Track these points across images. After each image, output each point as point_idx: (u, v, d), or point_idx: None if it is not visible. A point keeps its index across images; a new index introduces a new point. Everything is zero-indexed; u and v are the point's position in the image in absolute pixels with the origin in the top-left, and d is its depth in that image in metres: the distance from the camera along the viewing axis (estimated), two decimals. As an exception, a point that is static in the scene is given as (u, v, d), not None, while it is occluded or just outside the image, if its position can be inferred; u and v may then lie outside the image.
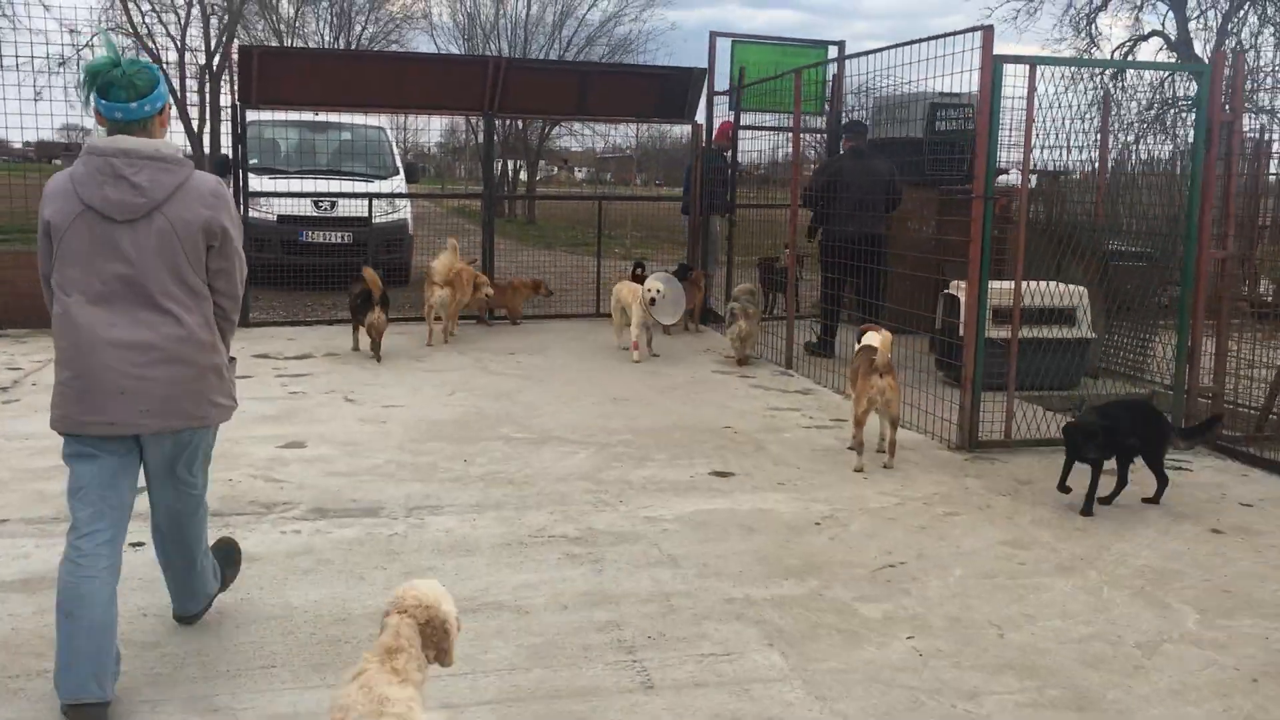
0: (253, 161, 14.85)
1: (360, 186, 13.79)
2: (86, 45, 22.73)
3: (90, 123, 3.73)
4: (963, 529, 5.49)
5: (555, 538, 5.20)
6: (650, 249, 22.42)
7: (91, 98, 3.44)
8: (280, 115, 14.90)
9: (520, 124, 33.62)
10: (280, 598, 4.42)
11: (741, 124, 11.99)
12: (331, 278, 12.49)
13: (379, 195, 13.42)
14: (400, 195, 14.37)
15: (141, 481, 3.70)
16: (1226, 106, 7.15)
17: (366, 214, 13.42)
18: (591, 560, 4.92)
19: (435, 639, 2.83)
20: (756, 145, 12.88)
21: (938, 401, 7.57)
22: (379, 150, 15.37)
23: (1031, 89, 7.00)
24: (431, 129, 42.80)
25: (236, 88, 10.96)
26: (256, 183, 13.70)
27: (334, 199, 13.62)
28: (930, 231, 11.92)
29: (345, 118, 15.35)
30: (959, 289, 9.18)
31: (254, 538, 5.07)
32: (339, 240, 13.90)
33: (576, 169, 47.62)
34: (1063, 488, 5.91)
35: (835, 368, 9.03)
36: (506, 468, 6.41)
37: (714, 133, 12.57)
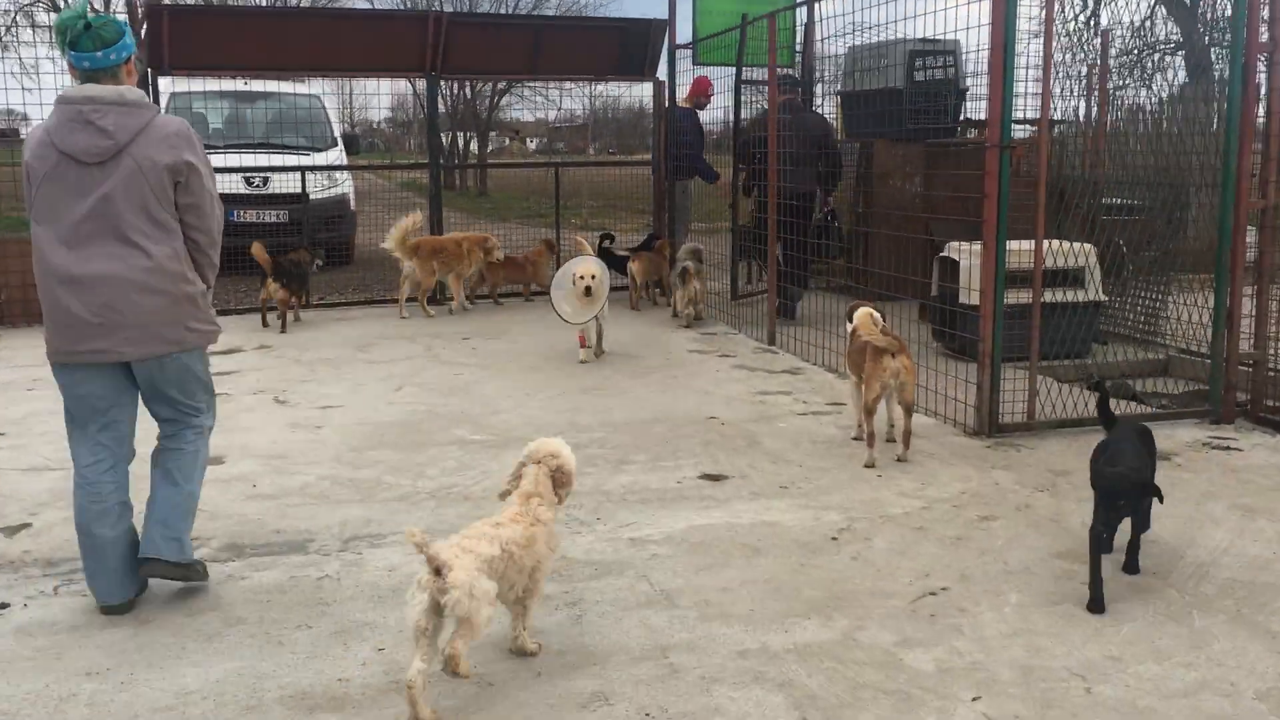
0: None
1: (295, 161, 12.69)
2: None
3: (67, 79, 3.91)
4: (1005, 538, 4.64)
5: (522, 572, 4.28)
6: (609, 219, 21.50)
7: (65, 52, 3.68)
8: (204, 85, 13.74)
9: (469, 91, 32.38)
10: (172, 679, 3.47)
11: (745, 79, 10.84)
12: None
13: (316, 169, 12.31)
14: (339, 168, 13.27)
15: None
16: (1265, 34, 6.29)
17: (302, 190, 12.36)
18: (568, 603, 4.01)
19: (562, 483, 3.79)
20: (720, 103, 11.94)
21: (943, 378, 6.73)
22: (315, 121, 14.23)
23: (1050, 18, 6.13)
24: (380, 99, 41.38)
25: (145, 52, 9.78)
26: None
27: (266, 174, 12.52)
28: (915, 189, 11.07)
29: (276, 86, 14.19)
30: (958, 251, 8.33)
31: (149, 589, 4.11)
32: (274, 219, 12.80)
33: (529, 140, 46.45)
34: (1108, 546, 4.29)
35: (822, 341, 8.16)
36: (462, 479, 5.47)
37: (690, 89, 11.59)
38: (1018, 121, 14.03)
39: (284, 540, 4.65)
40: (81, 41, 3.67)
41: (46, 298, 3.73)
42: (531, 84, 32.91)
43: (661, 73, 11.72)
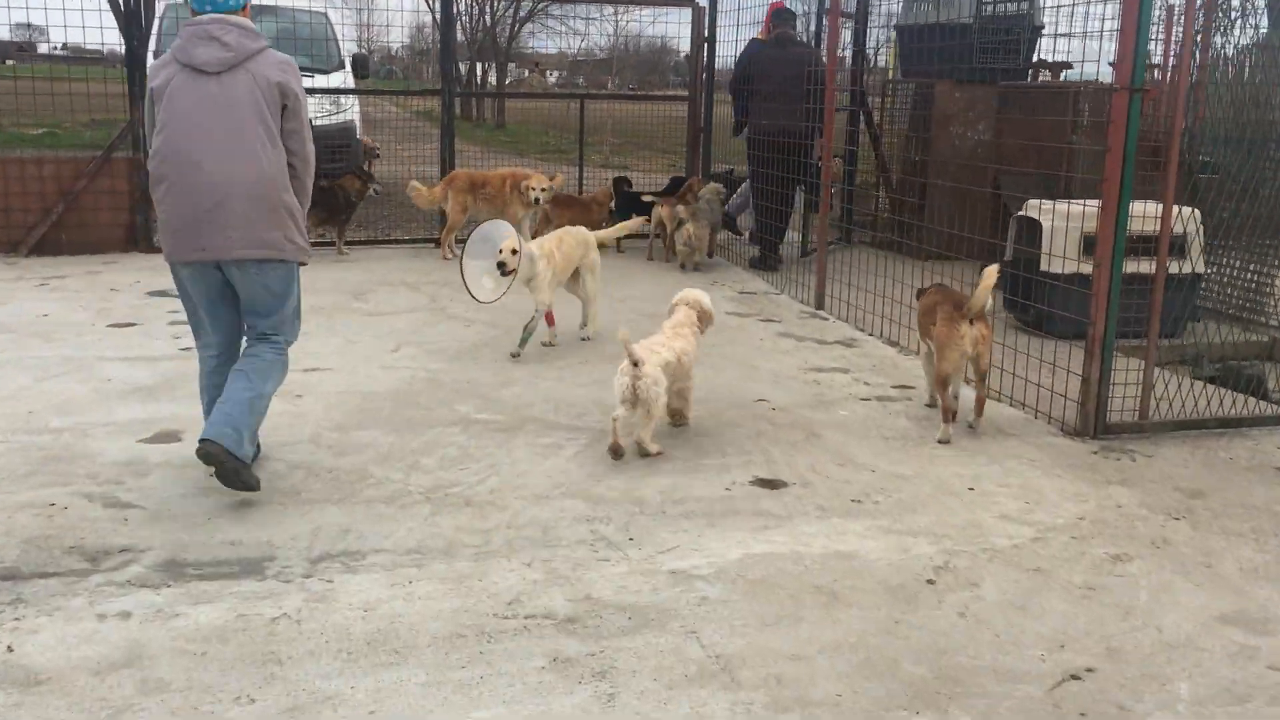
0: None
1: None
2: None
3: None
4: (1149, 590, 3.65)
5: (535, 620, 3.32)
6: (633, 157, 20.39)
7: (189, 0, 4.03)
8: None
9: (489, 18, 31.02)
10: (57, 780, 2.53)
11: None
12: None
13: (318, 91, 11.19)
14: (343, 91, 12.14)
15: None
16: None
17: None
18: (595, 674, 3.04)
19: (705, 320, 5.36)
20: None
21: (1021, 358, 5.71)
22: (318, 39, 13.05)
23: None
24: (402, 24, 39.97)
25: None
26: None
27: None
28: (980, 137, 9.95)
29: (276, 1, 13.01)
30: (1041, 211, 7.27)
31: (50, 631, 3.16)
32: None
33: (549, 73, 45.05)
34: None
35: (876, 307, 7.13)
36: (464, 476, 4.50)
37: (766, 20, 10.41)
38: (1056, 65, 12.88)
39: (238, 556, 3.69)
40: None
41: (164, 201, 4.05)
42: (555, 12, 31.59)
43: (703, -2, 10.55)
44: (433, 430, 5.04)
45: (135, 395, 5.38)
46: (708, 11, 10.44)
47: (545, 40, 33.64)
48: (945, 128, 10.00)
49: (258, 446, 4.46)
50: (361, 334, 6.75)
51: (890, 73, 12.33)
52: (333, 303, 7.59)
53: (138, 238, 9.10)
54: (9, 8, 9.22)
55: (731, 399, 5.70)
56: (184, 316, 4.48)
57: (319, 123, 11.91)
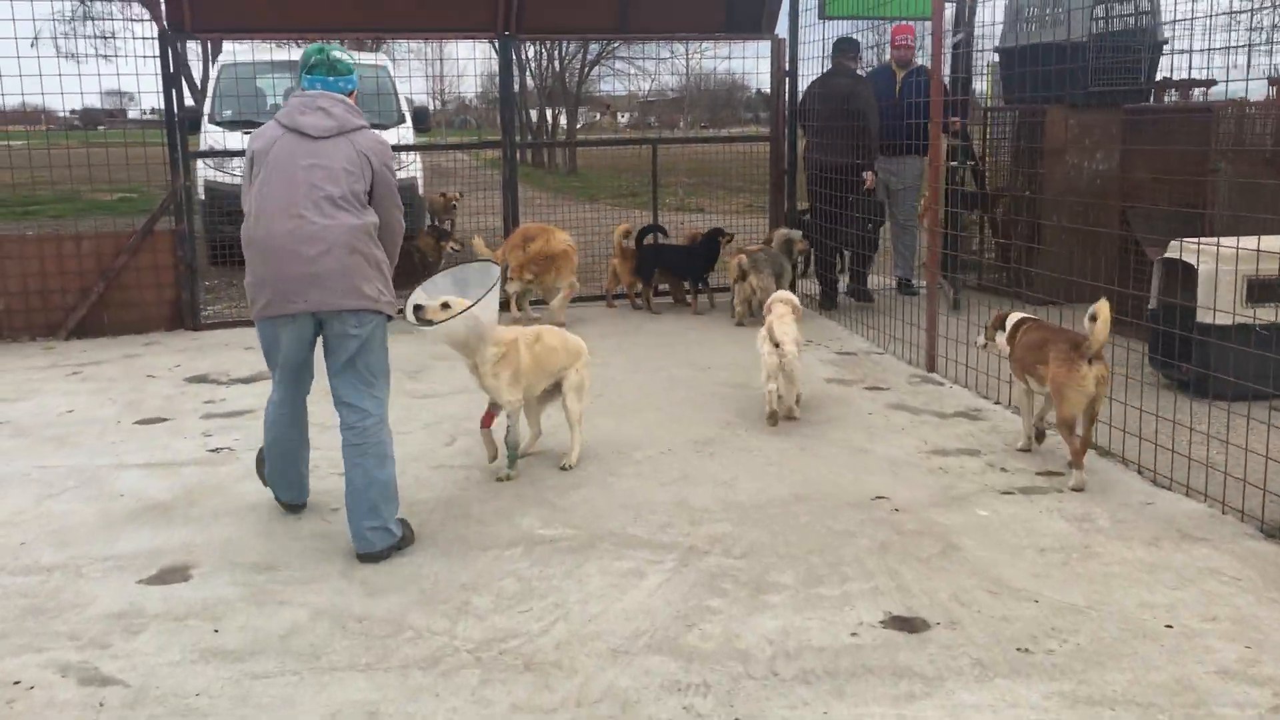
0: (225, 114, 12.17)
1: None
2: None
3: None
4: None
5: None
6: (705, 196, 19.62)
7: (301, 76, 4.28)
8: (255, 54, 12.18)
9: (558, 63, 30.62)
10: None
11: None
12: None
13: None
14: (405, 148, 11.52)
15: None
16: None
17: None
18: None
19: (797, 314, 6.06)
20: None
21: (1192, 435, 4.70)
22: (379, 94, 12.50)
23: None
24: (474, 70, 39.95)
25: (164, 8, 8.13)
26: (221, 139, 11.04)
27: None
28: (1099, 167, 8.92)
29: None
30: (1192, 252, 6.23)
31: None
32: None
33: (620, 114, 44.67)
34: None
35: (1000, 370, 6.13)
36: (524, 621, 3.64)
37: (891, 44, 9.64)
38: (1197, 83, 11.75)
39: (229, 762, 2.87)
40: (317, 70, 4.25)
41: (257, 258, 4.13)
42: (623, 49, 31.08)
43: (781, 29, 9.71)
44: (488, 554, 4.19)
45: (147, 516, 4.63)
46: (788, 44, 9.57)
47: (614, 82, 33.13)
48: (1059, 158, 8.99)
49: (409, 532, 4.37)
50: (411, 423, 5.96)
51: (988, 99, 11.35)
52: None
53: (183, 314, 8.49)
54: (100, 76, 8.69)
55: (844, 495, 4.76)
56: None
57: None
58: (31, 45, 8.49)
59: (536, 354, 5.09)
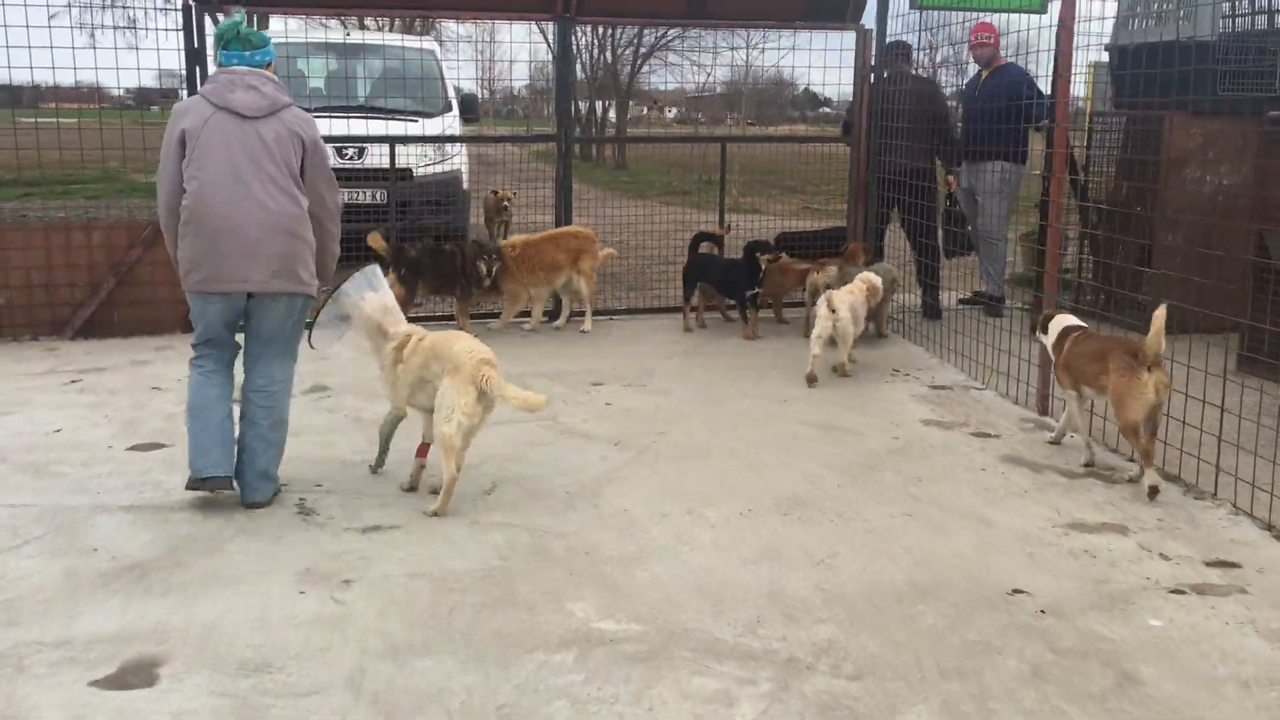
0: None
1: (401, 129, 10.17)
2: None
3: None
4: None
5: None
6: (759, 195, 18.69)
7: (218, 52, 4.39)
8: (290, 35, 11.40)
9: (609, 55, 29.73)
10: None
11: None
12: (356, 253, 8.82)
13: (410, 139, 9.72)
14: (450, 139, 10.67)
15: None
16: None
17: (407, 164, 9.89)
18: None
19: (872, 295, 7.00)
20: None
21: None
22: (426, 80, 11.66)
23: None
24: (522, 56, 39.23)
25: (188, -21, 7.36)
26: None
27: (361, 145, 10.03)
28: (1223, 182, 7.91)
29: (382, 38, 11.72)
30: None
31: None
32: (368, 199, 10.32)
33: (667, 109, 43.77)
34: None
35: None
36: (580, 773, 2.77)
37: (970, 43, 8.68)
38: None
39: None
40: (233, 44, 4.35)
41: (198, 236, 4.23)
42: (676, 47, 30.14)
43: (869, 19, 8.77)
44: (534, 658, 3.32)
45: (120, 581, 3.80)
46: (875, 36, 8.62)
47: (665, 75, 32.17)
48: (1177, 171, 7.98)
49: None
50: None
51: (1088, 104, 10.34)
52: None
53: (201, 315, 7.69)
54: (160, 50, 7.91)
55: (973, 587, 3.84)
56: None
57: (421, 172, 10.51)
58: (51, 19, 7.73)
59: (415, 358, 4.58)
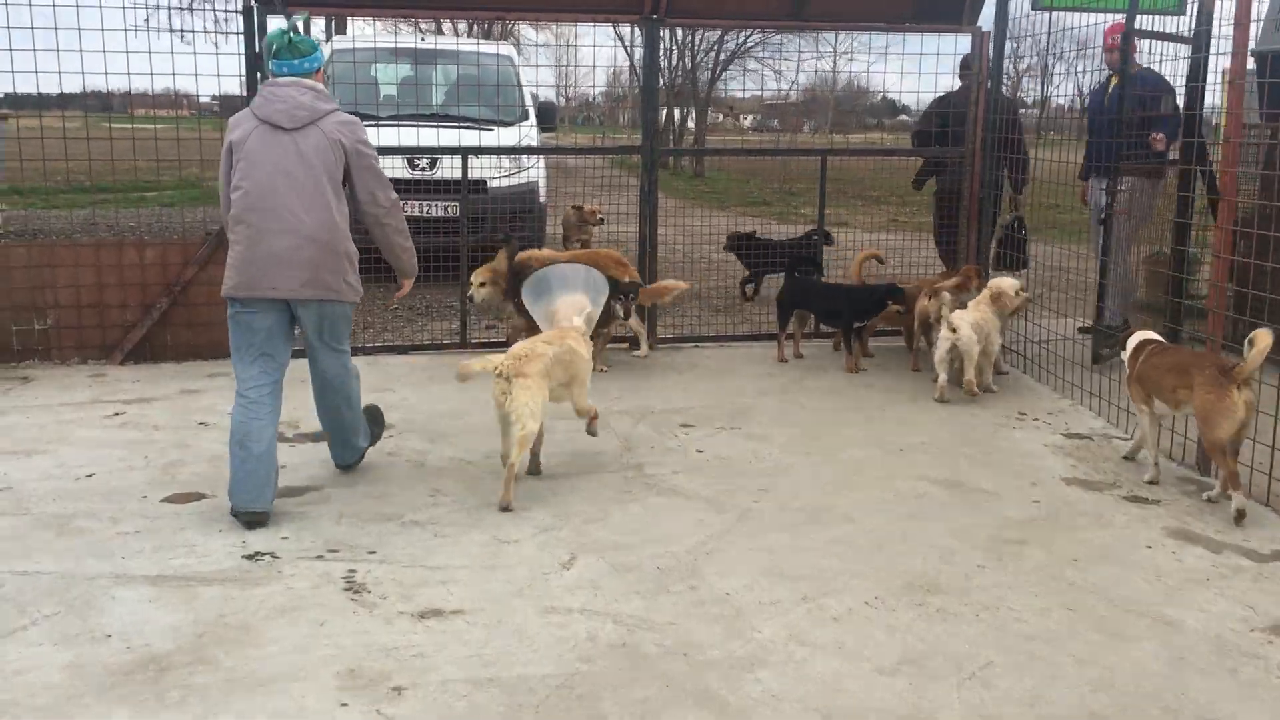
0: (336, 101, 10.88)
1: (475, 139, 9.59)
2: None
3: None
4: None
5: None
6: (842, 206, 17.91)
7: (268, 62, 4.48)
8: (364, 41, 10.91)
9: (688, 60, 29.05)
10: None
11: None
12: (429, 268, 8.11)
13: (485, 150, 9.11)
14: (528, 151, 10.05)
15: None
16: None
17: (480, 175, 9.34)
18: None
19: (999, 303, 6.53)
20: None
21: None
22: (502, 86, 11.08)
23: None
24: (598, 61, 38.82)
25: (250, -22, 6.83)
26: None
27: (434, 155, 9.46)
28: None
29: (456, 44, 11.16)
30: None
31: None
32: (440, 213, 9.77)
33: (743, 116, 43.00)
34: None
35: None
36: None
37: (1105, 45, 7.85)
38: None
39: None
40: (282, 53, 4.41)
41: (241, 240, 4.33)
42: (757, 54, 29.35)
43: (985, 20, 7.97)
44: (625, 815, 2.63)
45: (131, 684, 3.18)
46: (993, 38, 7.81)
47: (744, 81, 31.41)
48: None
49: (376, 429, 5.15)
50: (518, 523, 4.44)
51: (1223, 114, 9.38)
52: (488, 451, 5.34)
53: (259, 339, 7.16)
54: (173, 54, 7.39)
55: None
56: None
57: (495, 184, 9.93)
58: (145, 22, 7.28)
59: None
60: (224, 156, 4.44)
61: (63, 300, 6.88)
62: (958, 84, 8.43)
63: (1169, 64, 7.30)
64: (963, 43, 8.30)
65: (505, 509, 4.55)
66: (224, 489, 4.77)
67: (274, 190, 4.30)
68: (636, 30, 30.77)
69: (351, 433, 4.84)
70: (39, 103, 7.41)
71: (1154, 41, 7.32)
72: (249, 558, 4.06)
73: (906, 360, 7.47)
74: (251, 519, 4.30)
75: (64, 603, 3.67)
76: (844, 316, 7.17)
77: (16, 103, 8.87)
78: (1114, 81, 7.99)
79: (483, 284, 7.09)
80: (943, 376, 6.44)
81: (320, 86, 4.47)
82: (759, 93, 33.62)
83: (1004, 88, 8.60)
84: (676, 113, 30.44)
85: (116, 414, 5.88)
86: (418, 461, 5.22)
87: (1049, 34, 8.02)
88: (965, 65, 8.29)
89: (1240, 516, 4.57)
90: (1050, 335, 7.11)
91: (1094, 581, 4.01)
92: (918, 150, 8.95)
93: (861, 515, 4.64)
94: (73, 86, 7.07)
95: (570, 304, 5.27)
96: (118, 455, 5.20)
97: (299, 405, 6.10)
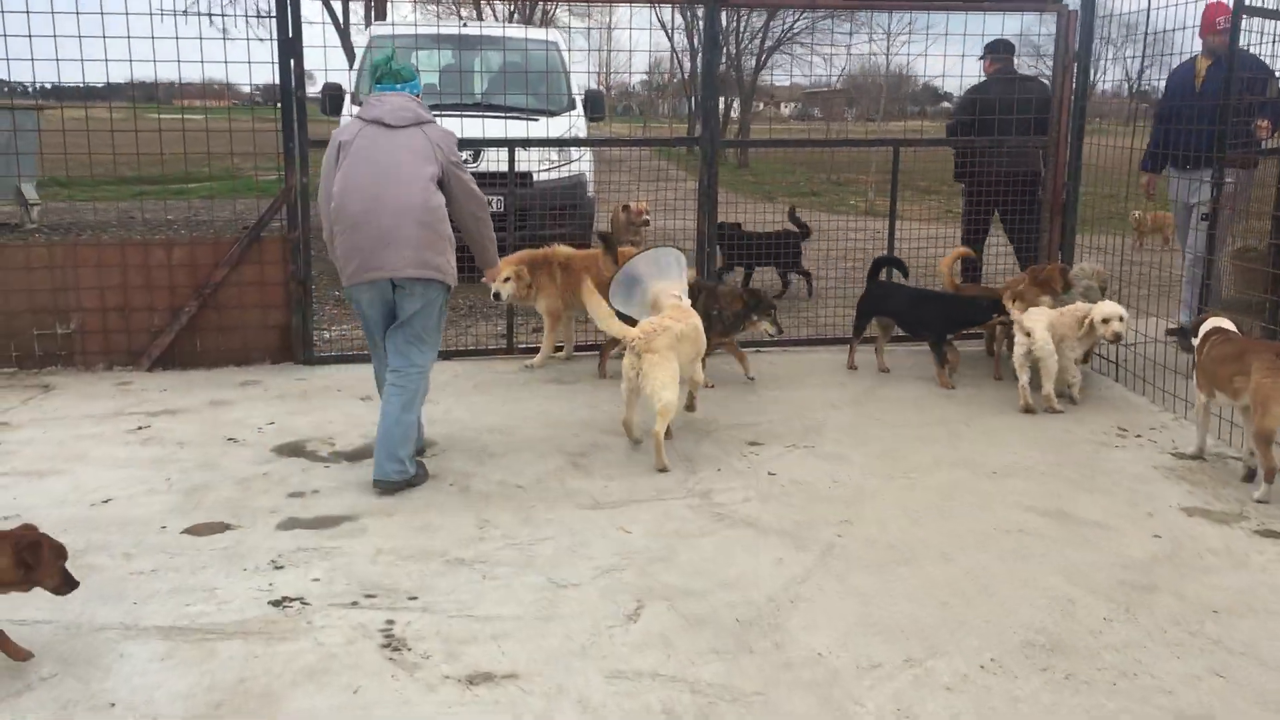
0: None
1: (520, 129, 9.12)
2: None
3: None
4: None
5: None
6: (906, 201, 17.25)
7: (371, 85, 4.80)
8: (404, 27, 10.46)
9: (732, 47, 28.38)
10: None
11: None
12: (471, 265, 7.67)
13: (535, 142, 8.61)
14: (578, 143, 9.55)
15: None
16: None
17: (526, 168, 8.86)
18: None
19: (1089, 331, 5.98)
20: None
21: None
22: (549, 72, 10.58)
23: None
24: (639, 46, 38.21)
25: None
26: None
27: (477, 147, 9.00)
28: None
29: (501, 30, 10.67)
30: None
31: None
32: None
33: (783, 105, 42.27)
34: None
35: None
36: None
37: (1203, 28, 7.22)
38: None
39: None
40: (385, 79, 4.73)
41: (347, 230, 4.57)
42: (804, 39, 28.62)
43: (1072, -2, 7.36)
44: None
45: (133, 766, 2.75)
46: (1080, 17, 7.21)
47: (791, 69, 30.68)
48: None
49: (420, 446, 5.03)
50: (575, 562, 3.96)
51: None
52: (539, 473, 4.87)
53: (294, 343, 6.74)
54: (202, 39, 6.97)
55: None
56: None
57: (541, 177, 9.46)
58: (183, 13, 6.82)
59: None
60: (329, 155, 4.67)
61: (86, 303, 6.49)
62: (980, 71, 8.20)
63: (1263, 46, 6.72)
64: (1030, 22, 7.73)
65: (662, 470, 4.93)
66: (249, 517, 4.35)
67: (379, 177, 4.52)
68: (678, 15, 30.11)
69: (400, 443, 4.62)
70: (83, 93, 7.00)
71: (1261, 22, 6.71)
72: (275, 604, 3.60)
73: (986, 367, 6.92)
74: (385, 488, 4.59)
75: (65, 660, 3.24)
76: (937, 328, 6.56)
77: (57, 94, 8.48)
78: (1203, 65, 7.38)
79: (507, 279, 6.57)
80: (1023, 378, 5.98)
81: (423, 105, 4.73)
82: (800, 80, 32.76)
83: (1029, 75, 8.26)
84: (722, 101, 29.85)
85: (140, 428, 5.47)
86: (463, 485, 4.75)
87: (1146, 12, 7.39)
88: (991, 49, 8.07)
89: (1262, 501, 4.61)
90: (1136, 336, 6.52)
91: (1243, 640, 3.46)
92: (995, 139, 8.36)
93: (959, 553, 4.11)
94: (117, 76, 6.66)
95: (665, 289, 5.50)
96: (138, 477, 4.77)
97: (335, 418, 5.68)
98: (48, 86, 6.78)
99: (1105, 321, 5.99)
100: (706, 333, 5.88)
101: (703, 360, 5.60)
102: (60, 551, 3.18)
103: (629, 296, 5.54)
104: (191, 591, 3.70)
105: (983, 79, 8.15)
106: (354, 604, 3.62)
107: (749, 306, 6.33)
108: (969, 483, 4.88)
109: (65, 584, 3.18)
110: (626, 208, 9.80)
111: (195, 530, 4.22)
